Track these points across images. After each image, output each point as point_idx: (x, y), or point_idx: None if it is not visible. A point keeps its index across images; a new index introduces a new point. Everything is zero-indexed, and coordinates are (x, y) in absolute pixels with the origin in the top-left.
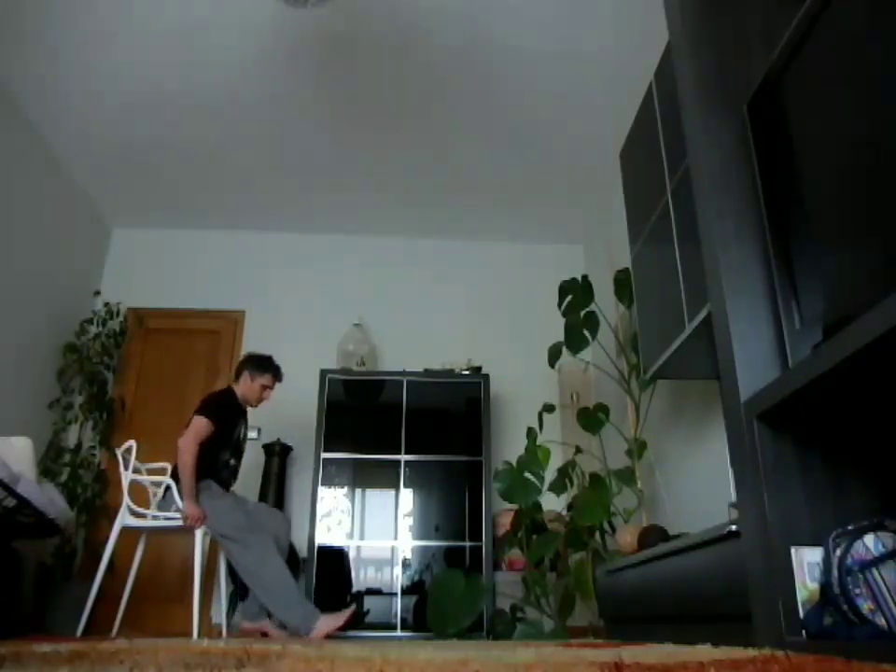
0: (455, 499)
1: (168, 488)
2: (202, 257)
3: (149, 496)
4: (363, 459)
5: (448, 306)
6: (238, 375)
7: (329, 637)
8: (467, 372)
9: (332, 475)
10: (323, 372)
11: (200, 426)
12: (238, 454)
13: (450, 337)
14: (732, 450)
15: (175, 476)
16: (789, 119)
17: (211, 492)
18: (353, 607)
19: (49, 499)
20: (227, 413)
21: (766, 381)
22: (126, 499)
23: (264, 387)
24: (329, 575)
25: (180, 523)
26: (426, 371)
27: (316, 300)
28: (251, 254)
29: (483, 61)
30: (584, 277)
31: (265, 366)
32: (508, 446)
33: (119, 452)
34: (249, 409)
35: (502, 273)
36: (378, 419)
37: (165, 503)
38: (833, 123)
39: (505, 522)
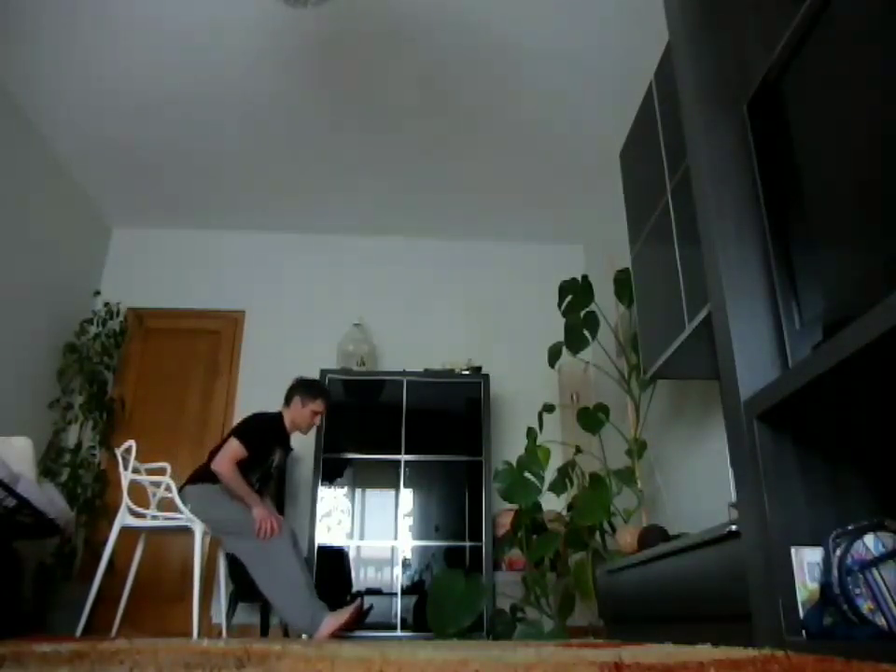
0: (455, 499)
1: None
2: (202, 257)
3: (149, 496)
4: (363, 459)
5: (448, 306)
6: (289, 400)
7: (333, 635)
8: (467, 372)
9: (332, 475)
10: (323, 372)
11: (233, 449)
12: (266, 479)
13: (450, 337)
14: (732, 450)
15: (192, 480)
16: (789, 118)
17: (229, 493)
18: (357, 603)
19: (49, 499)
20: (264, 440)
21: (766, 381)
22: (126, 499)
23: (315, 413)
24: (329, 575)
25: (179, 523)
26: (426, 371)
27: (316, 300)
28: (251, 254)
29: (483, 60)
30: (584, 277)
31: (316, 391)
32: (508, 446)
33: (118, 452)
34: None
35: (502, 273)
36: (378, 419)
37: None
38: (832, 123)
39: (505, 522)
